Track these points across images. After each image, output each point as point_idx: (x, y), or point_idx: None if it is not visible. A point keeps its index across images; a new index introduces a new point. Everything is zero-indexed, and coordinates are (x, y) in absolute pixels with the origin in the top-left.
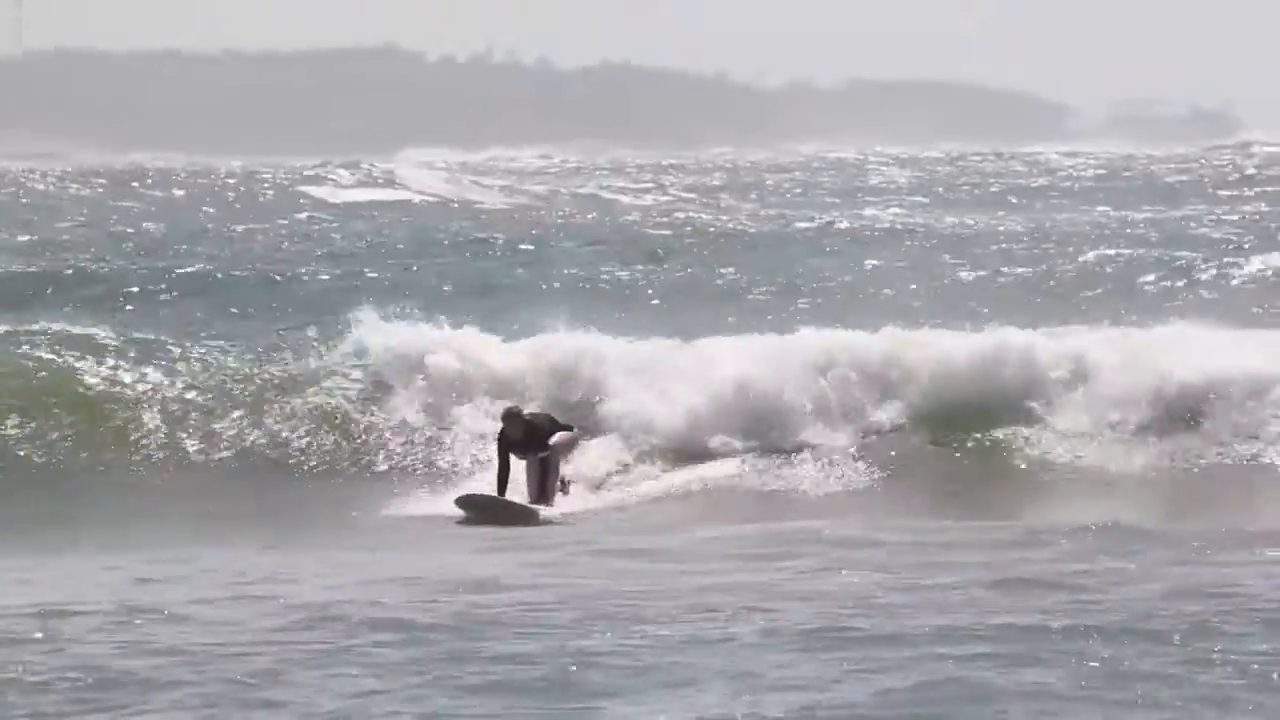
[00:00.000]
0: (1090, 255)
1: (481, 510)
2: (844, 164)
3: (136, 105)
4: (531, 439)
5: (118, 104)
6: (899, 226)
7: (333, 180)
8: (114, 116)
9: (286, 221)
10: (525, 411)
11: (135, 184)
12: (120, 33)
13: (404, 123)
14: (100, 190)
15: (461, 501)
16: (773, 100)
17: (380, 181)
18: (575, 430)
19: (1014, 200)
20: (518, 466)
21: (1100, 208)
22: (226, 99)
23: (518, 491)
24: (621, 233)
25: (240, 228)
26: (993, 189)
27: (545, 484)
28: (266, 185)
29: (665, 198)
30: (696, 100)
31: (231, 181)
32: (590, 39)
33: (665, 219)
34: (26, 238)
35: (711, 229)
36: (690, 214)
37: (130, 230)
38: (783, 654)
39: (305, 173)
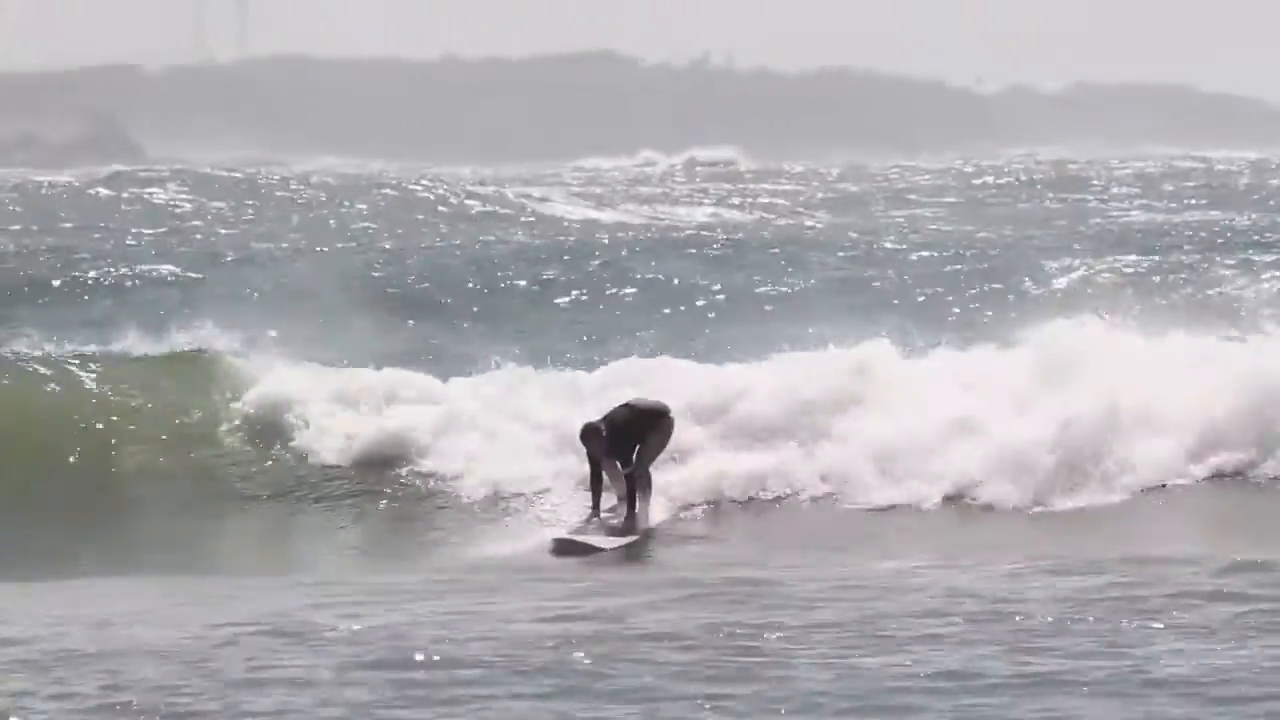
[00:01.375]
0: None
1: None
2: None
3: (355, 111)
4: (618, 442)
5: (337, 110)
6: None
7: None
8: (333, 123)
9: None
10: (601, 422)
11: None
12: (341, 39)
13: (621, 127)
14: (330, 195)
15: (561, 548)
16: (992, 105)
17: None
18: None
19: None
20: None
21: None
22: (446, 105)
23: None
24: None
25: (490, 238)
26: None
27: (631, 497)
28: (487, 197)
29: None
30: (914, 106)
31: (483, 190)
32: (808, 45)
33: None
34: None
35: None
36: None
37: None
38: None
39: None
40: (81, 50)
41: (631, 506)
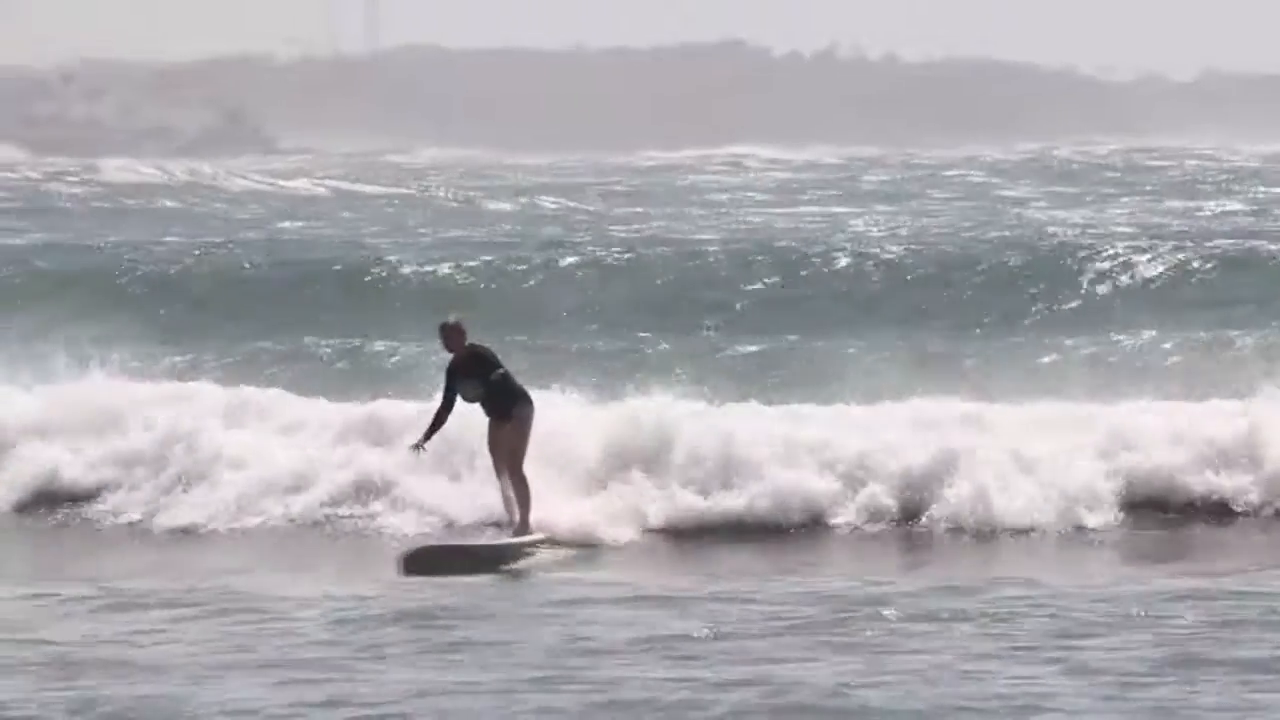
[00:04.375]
0: None
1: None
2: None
3: (485, 102)
4: (474, 371)
5: (467, 101)
6: None
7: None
8: (463, 114)
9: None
10: (467, 335)
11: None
12: (470, 29)
13: (749, 119)
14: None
15: (411, 562)
16: (1123, 94)
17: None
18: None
19: None
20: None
21: None
22: (577, 95)
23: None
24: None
25: (643, 227)
26: None
27: (517, 462)
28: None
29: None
30: (1044, 94)
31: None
32: (937, 33)
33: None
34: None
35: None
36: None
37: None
38: None
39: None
40: (213, 42)
41: (525, 510)
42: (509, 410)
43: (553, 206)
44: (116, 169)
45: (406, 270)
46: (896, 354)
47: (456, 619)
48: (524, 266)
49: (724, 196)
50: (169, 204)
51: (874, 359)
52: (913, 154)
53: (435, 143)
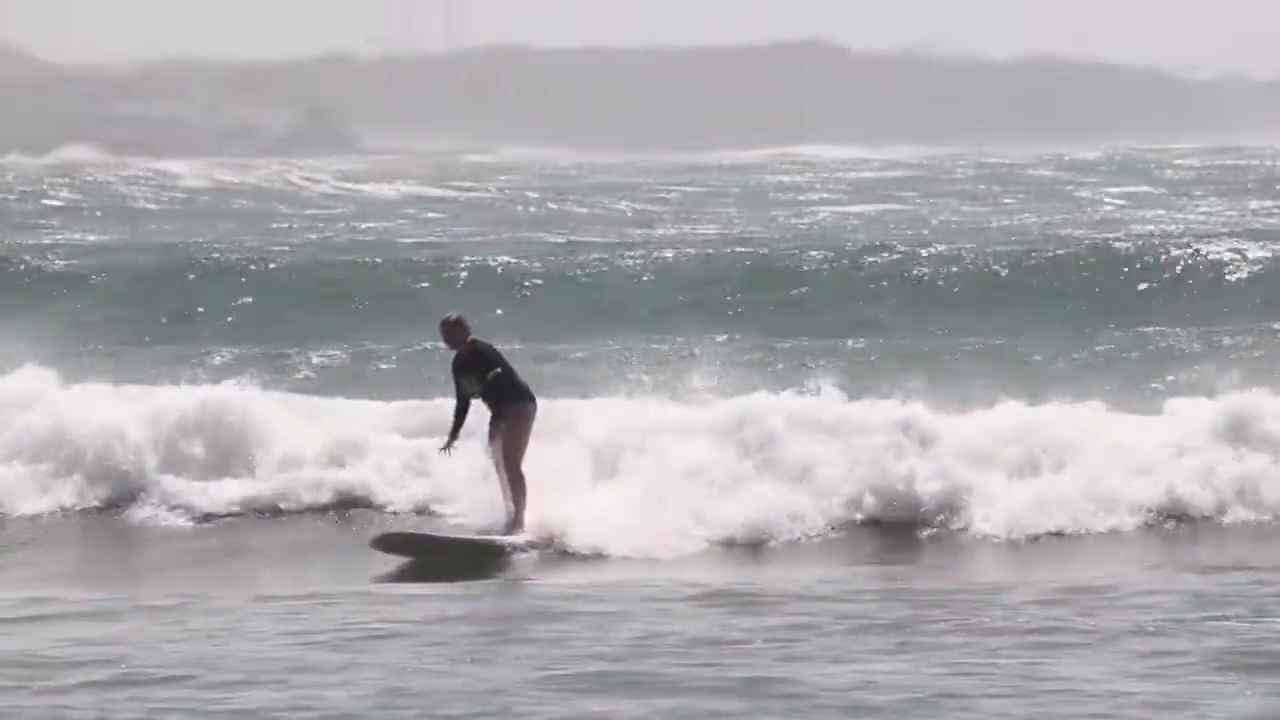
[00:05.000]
0: None
1: (407, 549)
2: None
3: (566, 101)
4: (475, 368)
5: (547, 100)
6: None
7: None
8: (543, 113)
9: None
10: (469, 331)
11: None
12: (552, 28)
13: (828, 118)
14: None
15: (381, 542)
16: (1206, 93)
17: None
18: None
19: None
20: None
21: None
22: (655, 95)
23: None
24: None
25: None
26: None
27: (512, 458)
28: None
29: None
30: (1127, 94)
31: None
32: (1017, 32)
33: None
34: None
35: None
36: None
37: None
38: None
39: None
40: (297, 40)
41: (519, 508)
42: (503, 408)
43: (627, 206)
44: (188, 169)
45: (482, 268)
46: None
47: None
48: (605, 268)
49: (801, 196)
50: (241, 204)
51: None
52: (992, 152)
53: (515, 142)
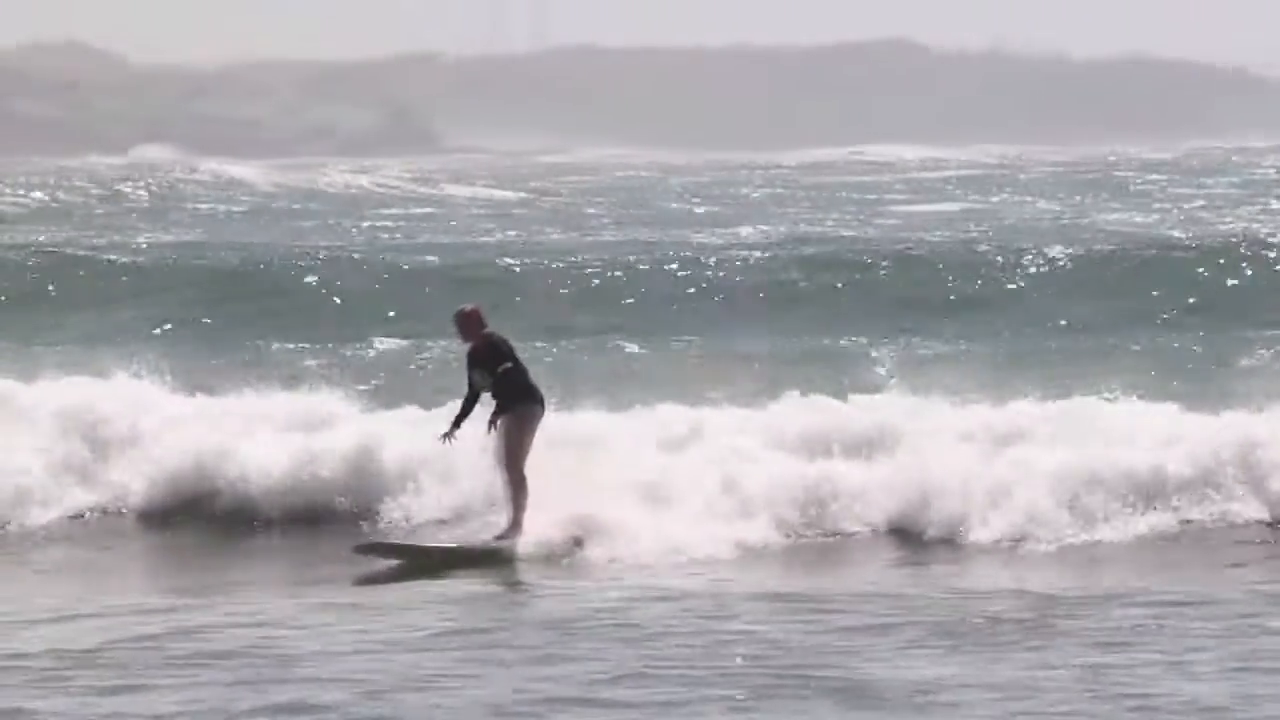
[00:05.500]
0: None
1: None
2: None
3: (648, 100)
4: (486, 361)
5: (631, 99)
6: None
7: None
8: (628, 112)
9: None
10: (484, 323)
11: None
12: (636, 27)
13: (911, 117)
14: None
15: (367, 549)
16: None
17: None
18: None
19: None
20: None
21: None
22: (737, 93)
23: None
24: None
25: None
26: None
27: (513, 460)
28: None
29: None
30: (1214, 93)
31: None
32: (1105, 30)
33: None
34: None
35: None
36: None
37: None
38: None
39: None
40: (380, 40)
41: (519, 511)
42: (507, 405)
43: (702, 205)
44: (258, 171)
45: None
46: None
47: None
48: (687, 271)
49: (876, 196)
50: (312, 206)
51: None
52: (1078, 151)
53: (596, 141)
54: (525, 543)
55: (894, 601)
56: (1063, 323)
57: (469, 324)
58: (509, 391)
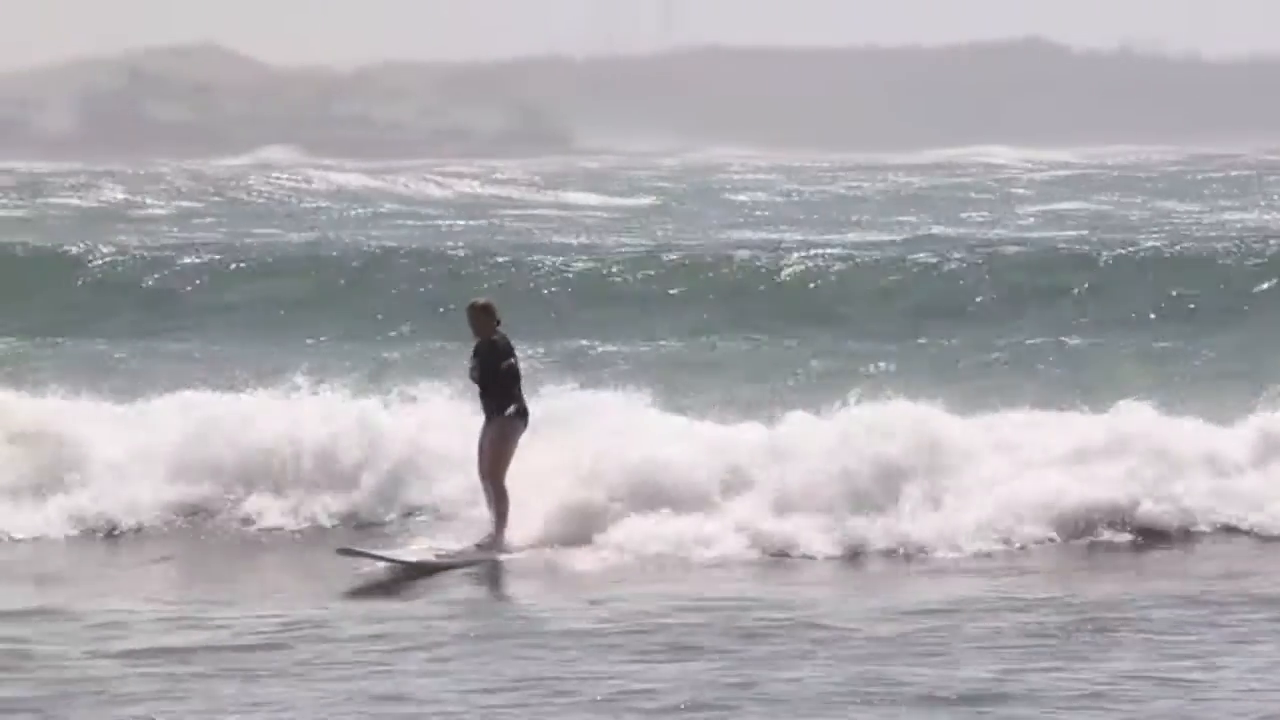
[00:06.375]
0: None
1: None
2: None
3: (779, 100)
4: (486, 356)
5: (761, 99)
6: None
7: None
8: (757, 112)
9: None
10: (497, 320)
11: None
12: (763, 28)
13: (1045, 117)
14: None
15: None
16: None
17: None
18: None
19: None
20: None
21: None
22: (867, 94)
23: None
24: None
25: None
26: None
27: (496, 470)
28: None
29: None
30: None
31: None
32: (1241, 30)
33: None
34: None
35: None
36: None
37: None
38: None
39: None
40: (506, 39)
41: (500, 524)
42: (496, 411)
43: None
44: (375, 171)
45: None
46: None
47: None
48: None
49: (1019, 191)
50: (430, 210)
51: None
52: (1212, 153)
53: (723, 141)
54: (507, 554)
55: None
56: None
57: (482, 317)
58: (499, 397)
